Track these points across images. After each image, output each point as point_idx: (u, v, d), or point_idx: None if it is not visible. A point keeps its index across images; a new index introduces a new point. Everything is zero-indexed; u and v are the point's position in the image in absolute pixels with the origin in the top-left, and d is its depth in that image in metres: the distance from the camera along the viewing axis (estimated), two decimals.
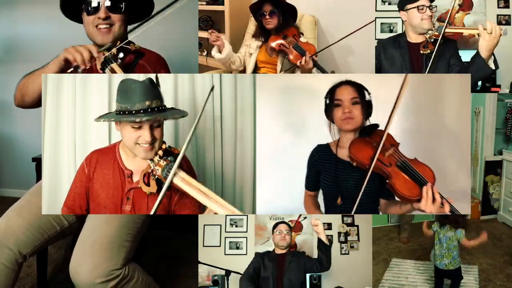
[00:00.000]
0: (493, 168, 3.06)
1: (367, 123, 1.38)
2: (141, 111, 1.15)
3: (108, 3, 1.45)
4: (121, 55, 1.37)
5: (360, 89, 1.37)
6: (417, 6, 1.64)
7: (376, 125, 1.35)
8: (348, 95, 1.35)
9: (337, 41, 1.85)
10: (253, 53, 2.03)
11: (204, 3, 2.56)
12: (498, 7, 2.21)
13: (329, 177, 1.41)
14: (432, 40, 1.62)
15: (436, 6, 1.67)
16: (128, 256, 1.35)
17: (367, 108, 1.37)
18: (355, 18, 2.19)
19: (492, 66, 1.55)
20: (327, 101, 1.41)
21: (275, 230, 1.72)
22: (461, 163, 1.85)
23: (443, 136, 1.88)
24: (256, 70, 2.06)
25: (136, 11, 1.56)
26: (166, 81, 1.83)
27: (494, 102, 2.99)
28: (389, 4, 2.25)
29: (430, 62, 1.59)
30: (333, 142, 1.46)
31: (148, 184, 1.19)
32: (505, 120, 3.05)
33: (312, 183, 1.51)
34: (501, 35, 1.46)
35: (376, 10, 2.23)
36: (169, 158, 1.16)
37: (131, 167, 1.28)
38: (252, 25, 2.25)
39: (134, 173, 1.27)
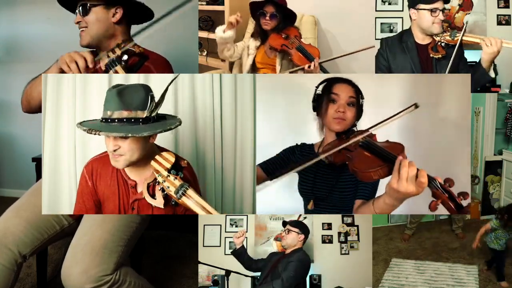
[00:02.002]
0: (493, 168, 3.07)
1: (356, 127, 1.35)
2: (107, 120, 1.12)
3: (80, 8, 1.51)
4: (125, 57, 1.38)
5: (357, 90, 1.34)
6: (431, 9, 1.57)
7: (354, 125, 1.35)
8: (346, 93, 1.31)
9: (341, 56, 1.88)
10: (251, 54, 2.03)
11: (204, 3, 2.56)
12: (498, 7, 2.20)
13: (307, 178, 1.39)
14: (443, 44, 1.59)
15: (449, 10, 1.62)
16: (120, 260, 1.32)
17: (359, 111, 1.34)
18: (355, 18, 2.19)
19: (492, 75, 1.57)
20: (319, 91, 1.36)
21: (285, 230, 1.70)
22: (461, 163, 1.85)
23: (443, 136, 1.88)
24: (254, 71, 2.06)
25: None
26: (166, 81, 1.82)
27: (494, 102, 2.99)
28: (389, 4, 2.25)
29: (448, 67, 1.58)
30: (317, 143, 1.44)
31: (153, 196, 1.16)
32: (505, 120, 3.05)
33: (270, 166, 1.44)
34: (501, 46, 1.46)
35: (376, 10, 2.23)
36: (179, 174, 1.10)
37: (134, 177, 1.27)
38: (251, 25, 2.25)
39: (138, 183, 1.26)
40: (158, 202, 1.14)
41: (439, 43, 1.59)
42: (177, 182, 1.08)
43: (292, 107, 1.91)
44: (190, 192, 1.07)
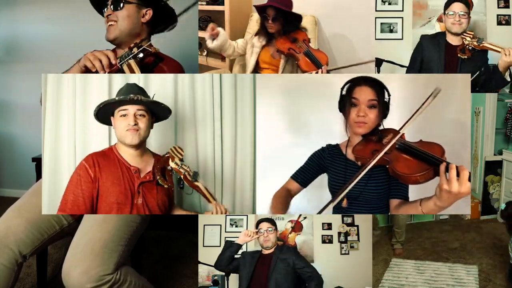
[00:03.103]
0: (493, 168, 3.07)
1: (382, 125, 1.34)
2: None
3: (113, 2, 1.57)
4: (140, 54, 1.43)
5: (380, 89, 1.32)
6: (450, 12, 1.83)
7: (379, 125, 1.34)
8: (366, 96, 1.30)
9: (347, 66, 1.91)
10: (255, 52, 2.02)
11: (204, 3, 2.56)
12: (498, 7, 2.20)
13: (338, 178, 1.39)
14: (470, 48, 1.79)
15: (468, 13, 1.82)
16: (120, 260, 1.33)
17: (383, 110, 1.32)
18: (355, 18, 2.19)
19: (508, 79, 1.79)
20: (343, 93, 1.36)
21: (258, 230, 1.64)
22: (461, 163, 1.85)
23: (443, 136, 1.87)
24: (257, 69, 2.05)
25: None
26: (166, 81, 1.83)
27: (494, 102, 2.99)
28: (389, 4, 2.25)
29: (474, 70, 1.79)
30: (343, 142, 1.44)
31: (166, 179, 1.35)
32: (505, 120, 3.05)
33: (305, 177, 1.48)
34: None
35: (376, 10, 2.23)
36: (193, 170, 1.35)
37: (134, 164, 1.39)
38: (252, 24, 2.25)
39: (140, 169, 1.39)
40: (170, 183, 1.33)
41: (467, 46, 1.80)
42: (190, 170, 1.33)
43: (292, 106, 1.91)
44: (200, 179, 1.34)
